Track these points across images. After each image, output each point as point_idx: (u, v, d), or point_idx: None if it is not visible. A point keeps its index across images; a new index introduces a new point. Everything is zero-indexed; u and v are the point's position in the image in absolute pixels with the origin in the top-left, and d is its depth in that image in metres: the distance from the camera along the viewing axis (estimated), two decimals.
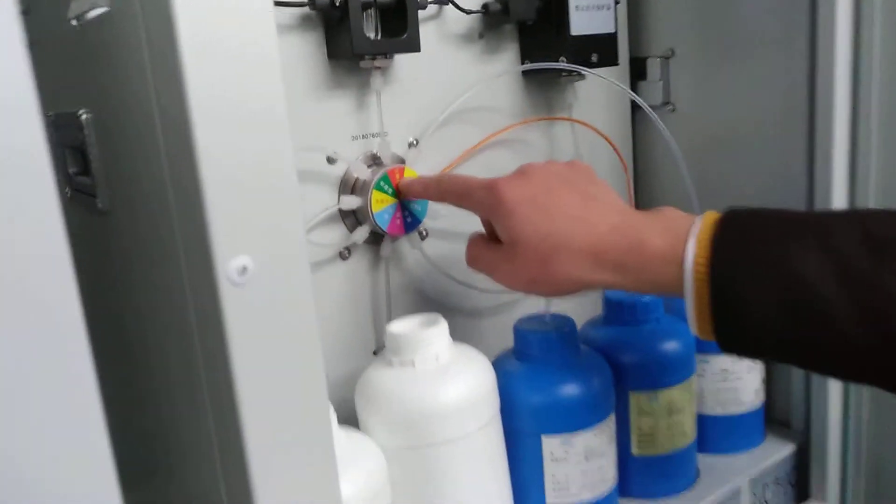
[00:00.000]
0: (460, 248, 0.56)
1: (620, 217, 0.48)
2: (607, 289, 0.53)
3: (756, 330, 0.41)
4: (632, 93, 0.64)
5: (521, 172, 0.51)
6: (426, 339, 0.50)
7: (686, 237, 0.43)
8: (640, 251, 0.45)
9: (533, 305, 0.71)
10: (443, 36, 0.64)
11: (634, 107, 0.80)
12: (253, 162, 0.33)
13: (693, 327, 0.43)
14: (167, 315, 0.41)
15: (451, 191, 0.54)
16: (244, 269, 0.33)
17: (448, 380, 0.51)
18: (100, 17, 0.41)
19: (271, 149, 0.33)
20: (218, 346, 0.34)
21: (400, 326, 0.53)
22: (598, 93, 0.76)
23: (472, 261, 0.53)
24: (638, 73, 0.79)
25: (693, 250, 0.42)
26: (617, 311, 0.64)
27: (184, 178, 0.33)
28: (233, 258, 0.32)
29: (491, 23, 0.67)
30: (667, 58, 0.77)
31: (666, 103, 0.78)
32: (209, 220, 0.32)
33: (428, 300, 0.66)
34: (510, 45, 0.69)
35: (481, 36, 0.66)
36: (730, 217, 0.43)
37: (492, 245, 0.51)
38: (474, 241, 0.53)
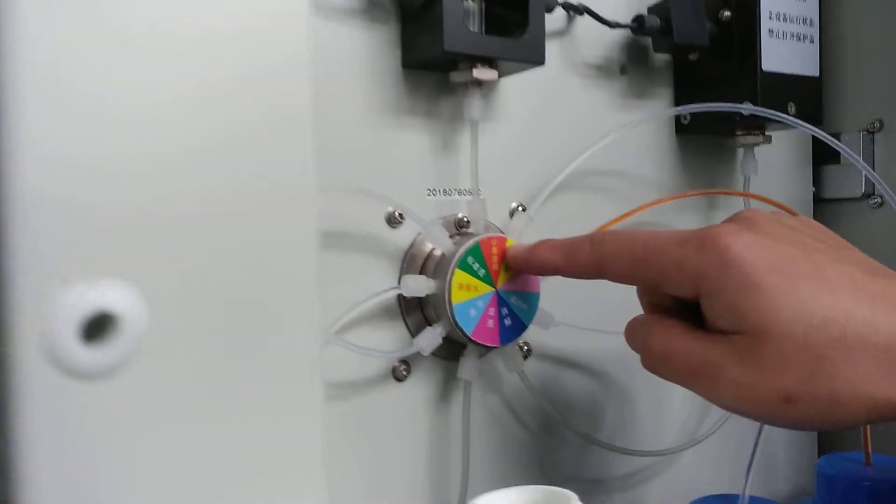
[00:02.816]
0: (579, 379, 0.39)
1: None
2: None
3: None
4: (869, 169, 0.41)
5: (747, 221, 0.30)
6: None
7: None
8: None
9: (696, 469, 0.47)
10: (570, 63, 0.44)
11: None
12: None
13: None
14: None
15: (621, 253, 0.31)
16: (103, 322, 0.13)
17: None
18: None
19: None
20: None
21: None
22: (778, 168, 0.54)
23: (668, 357, 0.29)
24: (824, 153, 0.57)
25: None
26: (846, 498, 0.38)
27: None
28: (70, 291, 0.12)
29: (639, 53, 0.46)
30: (871, 132, 0.55)
31: (869, 195, 0.55)
32: None
33: (524, 456, 0.42)
34: (662, 91, 0.48)
35: (624, 71, 0.46)
36: None
37: (701, 335, 0.28)
38: (663, 325, 0.30)
